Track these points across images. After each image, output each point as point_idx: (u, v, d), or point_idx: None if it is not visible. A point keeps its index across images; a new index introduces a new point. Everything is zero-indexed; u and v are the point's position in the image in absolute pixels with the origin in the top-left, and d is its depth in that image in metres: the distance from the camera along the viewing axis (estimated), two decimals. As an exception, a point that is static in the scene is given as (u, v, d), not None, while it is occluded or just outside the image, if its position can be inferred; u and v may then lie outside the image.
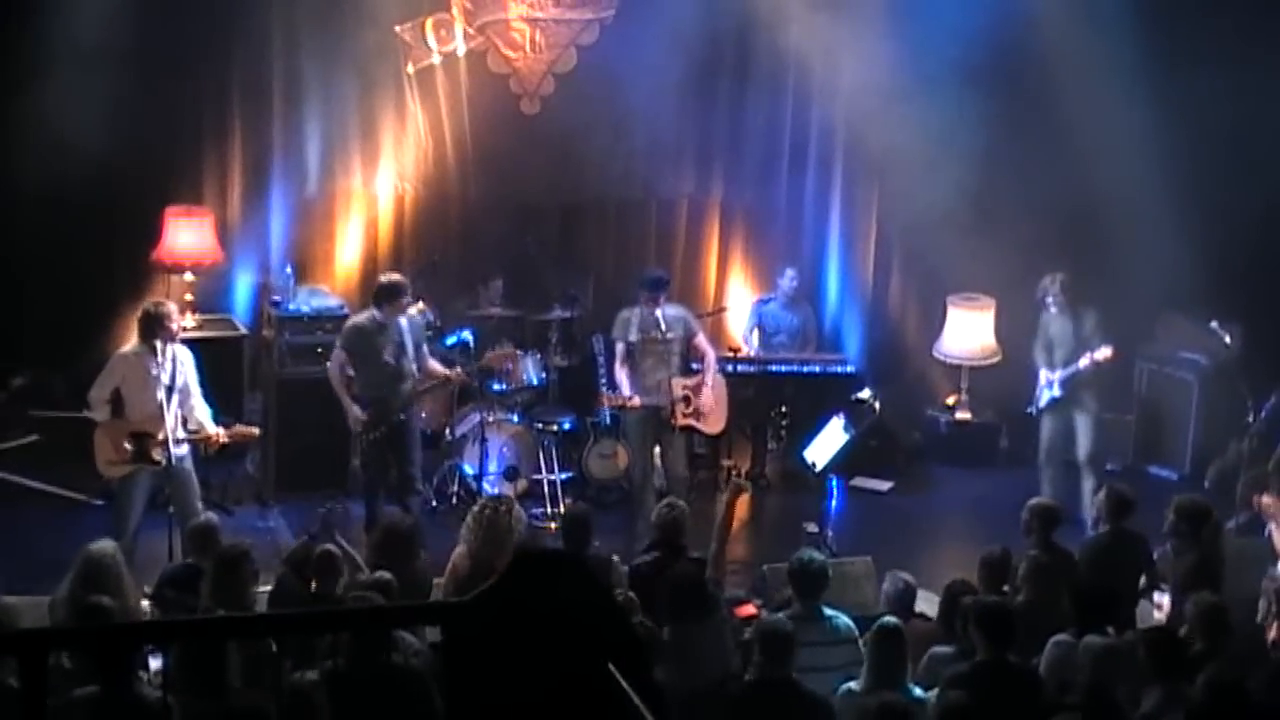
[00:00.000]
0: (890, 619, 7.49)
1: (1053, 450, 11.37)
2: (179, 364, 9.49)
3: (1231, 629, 7.52)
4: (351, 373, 10.32)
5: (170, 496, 9.41)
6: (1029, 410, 11.48)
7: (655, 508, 8.96)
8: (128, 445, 9.39)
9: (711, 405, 10.91)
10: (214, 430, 9.63)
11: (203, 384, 9.70)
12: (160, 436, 9.29)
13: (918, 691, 7.19)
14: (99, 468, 9.59)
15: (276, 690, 6.51)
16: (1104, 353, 11.05)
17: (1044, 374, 11.28)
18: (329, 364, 10.40)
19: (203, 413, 9.62)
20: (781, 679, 7.06)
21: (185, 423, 9.48)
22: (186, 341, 9.89)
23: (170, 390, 9.34)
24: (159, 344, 9.36)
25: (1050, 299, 11.19)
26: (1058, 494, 10.90)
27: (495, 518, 8.41)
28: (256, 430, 10.24)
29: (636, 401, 10.69)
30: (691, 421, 10.84)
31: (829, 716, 7.06)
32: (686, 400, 10.76)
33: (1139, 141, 11.83)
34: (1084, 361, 11.08)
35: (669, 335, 10.76)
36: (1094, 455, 11.38)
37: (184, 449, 9.48)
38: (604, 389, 11.21)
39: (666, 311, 10.77)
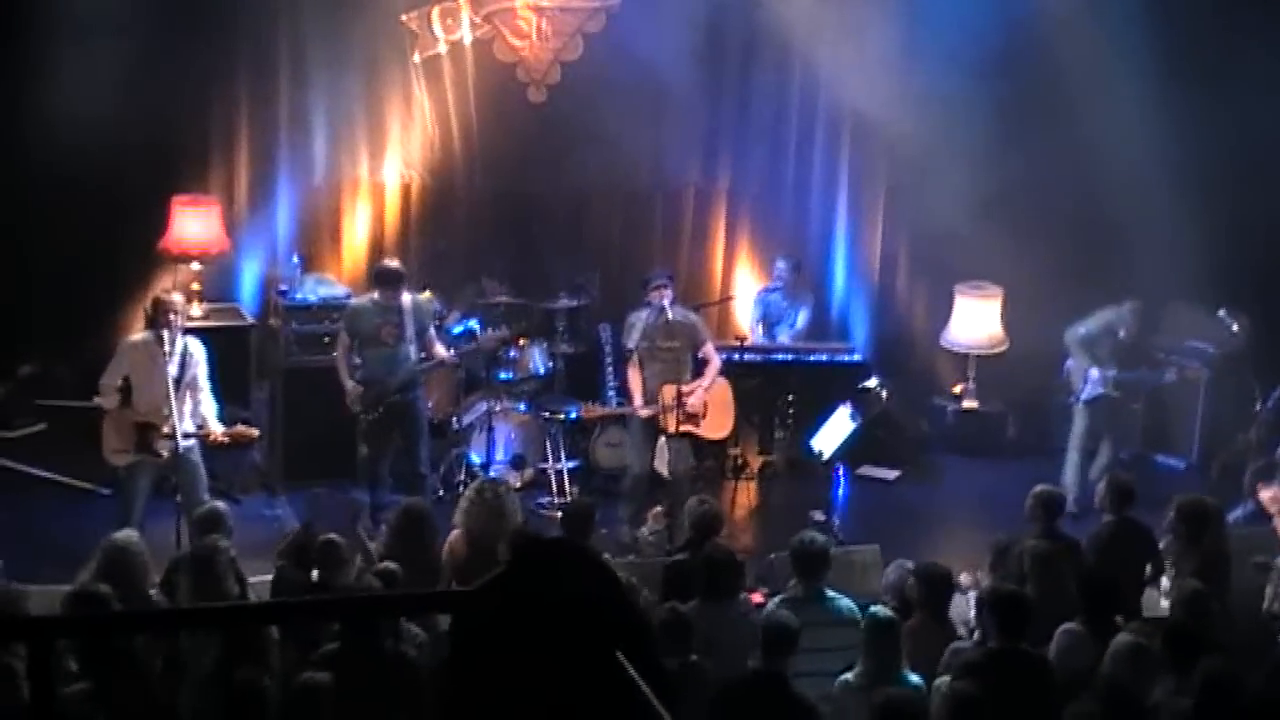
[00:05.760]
0: (883, 610, 7.47)
1: (1083, 442, 11.39)
2: (189, 357, 9.43)
3: (1215, 616, 7.52)
4: (358, 360, 10.35)
5: (177, 485, 9.41)
6: (1070, 400, 11.49)
7: (689, 505, 8.94)
8: (132, 435, 9.37)
9: (707, 409, 10.60)
10: (218, 429, 9.56)
11: (210, 374, 9.67)
12: (165, 429, 9.25)
13: (914, 678, 7.19)
14: (105, 455, 9.57)
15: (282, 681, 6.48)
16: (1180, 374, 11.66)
17: (1094, 370, 11.27)
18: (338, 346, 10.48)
19: (209, 409, 9.55)
20: (777, 674, 6.96)
21: (192, 415, 9.46)
22: (195, 331, 9.88)
23: (178, 383, 9.29)
24: (165, 333, 9.34)
25: (1124, 330, 11.32)
26: (1079, 481, 10.96)
27: (497, 501, 8.47)
28: (255, 432, 10.12)
29: (632, 410, 10.55)
30: (689, 427, 10.52)
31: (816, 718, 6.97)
32: (680, 406, 10.40)
33: (1148, 130, 11.79)
34: (1170, 376, 11.55)
35: (673, 344, 10.50)
36: (1114, 451, 11.47)
37: (191, 441, 9.46)
38: (606, 397, 11.17)
39: (673, 318, 10.50)
